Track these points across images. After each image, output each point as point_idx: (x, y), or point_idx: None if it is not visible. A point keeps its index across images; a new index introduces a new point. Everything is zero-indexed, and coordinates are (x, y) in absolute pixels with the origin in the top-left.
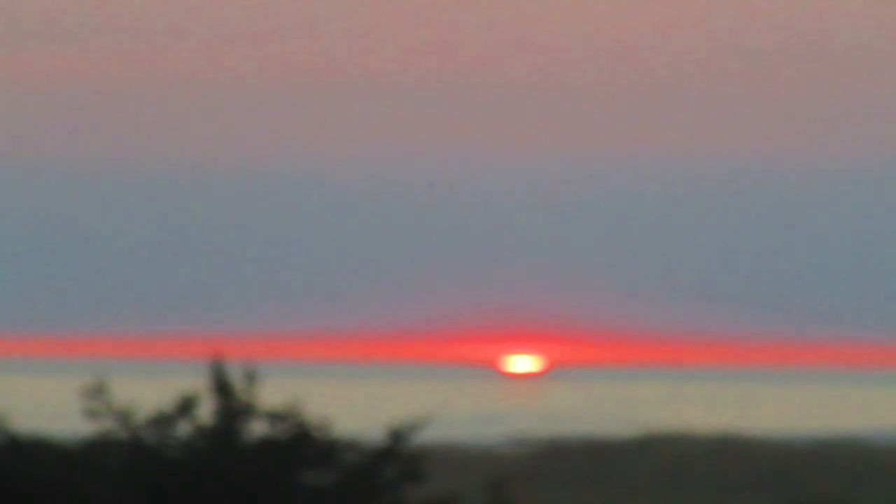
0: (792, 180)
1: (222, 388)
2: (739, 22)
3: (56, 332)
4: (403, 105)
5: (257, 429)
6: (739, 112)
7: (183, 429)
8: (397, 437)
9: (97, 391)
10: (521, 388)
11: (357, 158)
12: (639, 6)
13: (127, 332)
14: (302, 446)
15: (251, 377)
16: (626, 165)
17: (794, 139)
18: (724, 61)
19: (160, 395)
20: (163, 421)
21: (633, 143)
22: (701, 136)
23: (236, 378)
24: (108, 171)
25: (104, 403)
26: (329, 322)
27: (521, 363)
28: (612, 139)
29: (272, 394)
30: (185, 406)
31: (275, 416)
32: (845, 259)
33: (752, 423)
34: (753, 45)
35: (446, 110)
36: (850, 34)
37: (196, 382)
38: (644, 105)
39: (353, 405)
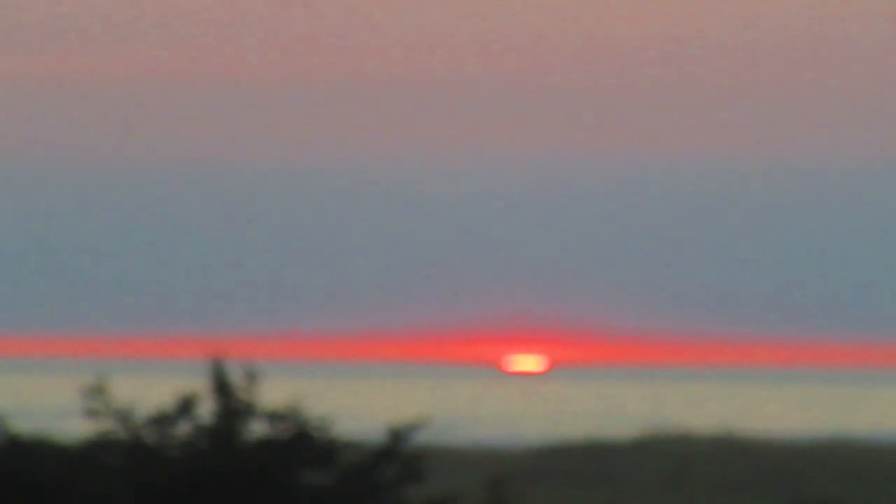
0: (792, 180)
1: (222, 388)
2: (739, 22)
3: (56, 332)
4: (408, 104)
5: (257, 429)
6: (738, 112)
7: (183, 429)
8: (397, 437)
9: (97, 391)
10: (522, 387)
11: (357, 157)
12: (639, 5)
13: (127, 332)
14: (302, 446)
15: (251, 377)
16: (627, 166)
17: (794, 139)
18: (724, 61)
19: (160, 395)
20: (163, 421)
21: (634, 144)
22: (702, 136)
23: (236, 378)
24: (109, 170)
25: (104, 403)
26: (329, 322)
27: (523, 363)
28: (613, 139)
29: (272, 394)
30: (185, 406)
31: (275, 416)
32: (846, 259)
33: (752, 423)
34: (754, 44)
35: (452, 110)
36: (851, 34)
37: (196, 382)
38: (645, 105)
39: (353, 405)
